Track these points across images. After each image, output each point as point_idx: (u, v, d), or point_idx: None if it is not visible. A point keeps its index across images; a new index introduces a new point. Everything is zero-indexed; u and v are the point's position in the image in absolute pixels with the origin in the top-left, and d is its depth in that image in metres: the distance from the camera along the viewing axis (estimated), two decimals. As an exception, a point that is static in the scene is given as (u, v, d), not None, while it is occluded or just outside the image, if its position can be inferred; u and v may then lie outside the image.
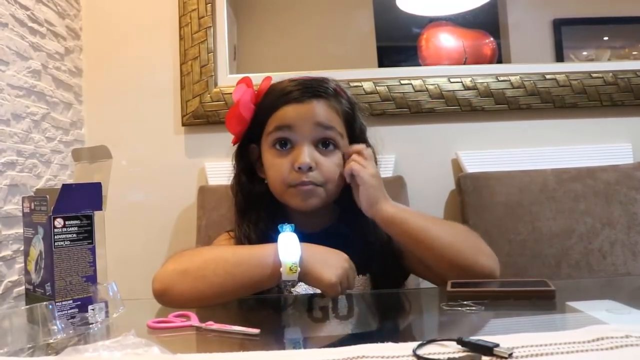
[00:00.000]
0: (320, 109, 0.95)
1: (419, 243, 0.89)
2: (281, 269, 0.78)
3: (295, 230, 0.83)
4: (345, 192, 0.98)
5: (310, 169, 0.92)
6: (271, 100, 0.97)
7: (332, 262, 0.82)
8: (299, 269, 0.79)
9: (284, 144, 0.95)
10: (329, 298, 0.82)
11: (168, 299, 0.81)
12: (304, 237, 0.83)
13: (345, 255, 0.83)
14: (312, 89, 0.96)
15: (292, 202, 0.95)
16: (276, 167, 0.95)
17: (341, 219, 1.02)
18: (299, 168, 0.92)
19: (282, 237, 0.81)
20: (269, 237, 0.88)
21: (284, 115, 0.95)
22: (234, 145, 1.03)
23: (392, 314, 0.85)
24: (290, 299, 0.89)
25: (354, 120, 1.01)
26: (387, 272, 0.96)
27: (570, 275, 1.27)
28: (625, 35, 1.74)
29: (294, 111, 0.94)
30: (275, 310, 0.85)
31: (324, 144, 0.95)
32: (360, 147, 0.94)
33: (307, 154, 0.92)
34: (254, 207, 0.99)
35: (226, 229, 1.05)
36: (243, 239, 0.96)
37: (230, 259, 0.83)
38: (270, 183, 0.98)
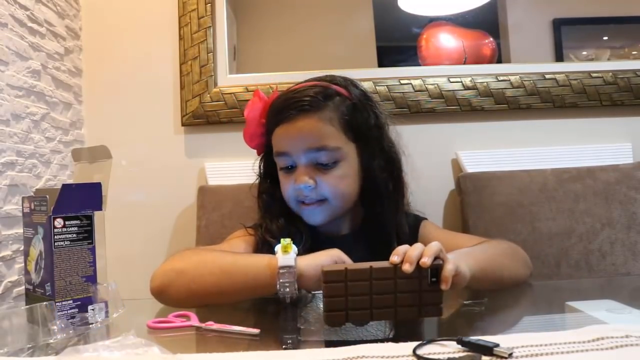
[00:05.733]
0: (308, 128, 0.93)
1: (494, 283, 0.85)
2: (277, 254, 0.79)
3: (313, 238, 0.86)
4: (367, 195, 0.99)
5: (310, 187, 0.94)
6: (269, 120, 0.99)
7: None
8: (294, 248, 0.79)
9: (288, 168, 0.97)
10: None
11: (165, 297, 0.82)
12: (328, 241, 0.86)
13: (336, 251, 0.82)
14: (299, 105, 0.94)
15: (303, 217, 0.98)
16: (284, 186, 0.99)
17: (365, 221, 1.02)
18: (299, 189, 0.95)
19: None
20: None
21: (278, 140, 0.97)
22: (259, 155, 1.07)
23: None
24: (290, 299, 0.89)
25: (357, 119, 0.97)
26: None
27: (570, 275, 1.27)
28: (625, 35, 1.74)
29: (285, 135, 0.96)
30: (275, 310, 0.85)
31: (322, 164, 0.95)
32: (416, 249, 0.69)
33: (303, 175, 0.94)
34: (277, 213, 1.01)
35: (242, 226, 1.06)
36: (267, 235, 0.98)
37: (228, 263, 0.83)
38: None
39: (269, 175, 1.05)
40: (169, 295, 0.81)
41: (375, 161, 0.98)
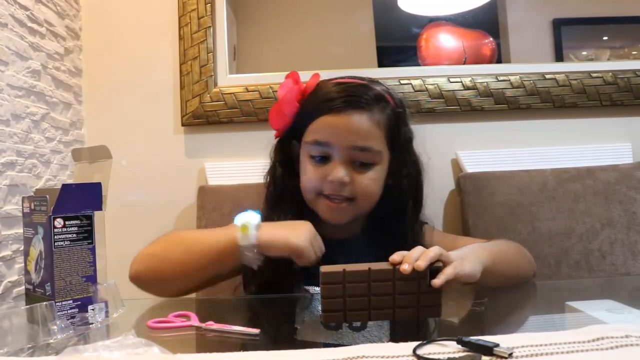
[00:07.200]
0: (359, 125, 0.91)
1: (502, 277, 0.86)
2: (236, 232, 0.81)
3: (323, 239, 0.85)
4: (382, 204, 0.97)
5: (343, 184, 0.91)
6: (313, 104, 0.95)
7: (295, 228, 0.84)
8: (252, 230, 0.81)
9: (321, 159, 0.93)
10: (305, 264, 0.83)
11: (140, 282, 0.85)
12: (332, 245, 0.86)
13: (308, 223, 0.86)
14: (354, 99, 0.91)
15: (320, 212, 0.95)
16: (310, 174, 0.94)
17: (369, 226, 1.01)
18: (332, 182, 0.91)
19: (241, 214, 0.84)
20: None
21: (321, 128, 0.92)
22: (275, 139, 1.02)
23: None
24: (289, 298, 0.89)
25: (398, 129, 0.96)
26: None
27: (570, 275, 1.27)
28: (625, 35, 1.74)
29: (331, 125, 0.91)
30: (275, 310, 0.85)
31: (360, 164, 0.93)
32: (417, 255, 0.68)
33: (341, 170, 0.91)
34: (286, 202, 0.98)
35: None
36: None
37: (192, 237, 0.87)
38: (302, 187, 0.97)
39: (284, 163, 1.01)
40: (144, 280, 0.84)
41: (404, 171, 0.98)
